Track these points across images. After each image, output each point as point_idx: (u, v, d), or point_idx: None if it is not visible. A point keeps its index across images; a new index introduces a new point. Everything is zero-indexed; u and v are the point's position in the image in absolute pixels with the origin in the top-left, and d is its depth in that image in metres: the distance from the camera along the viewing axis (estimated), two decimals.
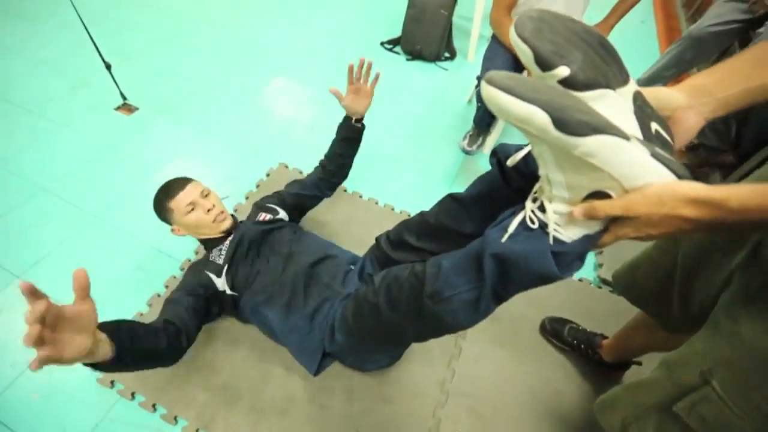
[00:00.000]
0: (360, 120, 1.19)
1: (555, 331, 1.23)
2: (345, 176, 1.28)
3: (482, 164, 1.79)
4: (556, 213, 0.51)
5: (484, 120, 1.66)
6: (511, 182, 0.69)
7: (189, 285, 1.02)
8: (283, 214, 1.20)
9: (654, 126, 0.49)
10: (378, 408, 1.07)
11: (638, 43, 2.81)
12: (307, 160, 1.66)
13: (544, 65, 0.46)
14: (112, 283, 1.25)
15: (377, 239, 1.05)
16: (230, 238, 1.10)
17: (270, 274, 1.06)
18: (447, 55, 2.36)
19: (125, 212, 1.43)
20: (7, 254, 1.28)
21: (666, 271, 0.75)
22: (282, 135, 1.80)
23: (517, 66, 1.47)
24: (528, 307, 1.31)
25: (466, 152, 1.80)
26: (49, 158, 1.57)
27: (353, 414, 1.06)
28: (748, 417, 0.49)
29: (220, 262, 1.07)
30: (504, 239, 0.55)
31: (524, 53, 0.48)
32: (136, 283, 1.25)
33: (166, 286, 1.24)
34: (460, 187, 1.62)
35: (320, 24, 2.57)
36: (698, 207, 0.40)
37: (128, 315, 1.17)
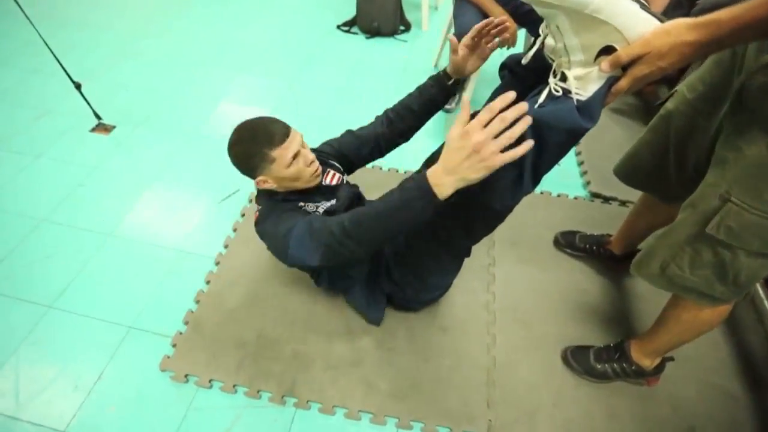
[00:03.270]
0: (456, 82, 1.02)
1: (568, 241, 1.39)
2: (409, 138, 1.12)
3: None
4: (575, 78, 0.63)
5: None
6: (525, 81, 0.79)
7: (302, 214, 0.93)
8: (345, 176, 1.12)
9: None
10: (439, 338, 1.18)
11: None
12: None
13: None
14: (150, 291, 1.24)
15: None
16: (334, 201, 1.01)
17: None
18: (402, 28, 2.47)
19: (138, 224, 1.42)
20: (30, 289, 1.23)
21: (661, 147, 0.92)
22: None
23: (485, 16, 1.60)
24: (539, 228, 1.46)
25: (447, 111, 1.92)
26: (35, 190, 1.50)
27: (418, 348, 1.16)
28: (763, 213, 0.65)
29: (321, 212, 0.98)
30: (536, 106, 0.66)
31: None
32: (175, 286, 1.26)
33: (208, 282, 1.26)
34: (437, 137, 1.63)
35: (271, 19, 2.58)
36: (697, 29, 0.52)
37: (178, 316, 1.18)
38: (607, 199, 1.59)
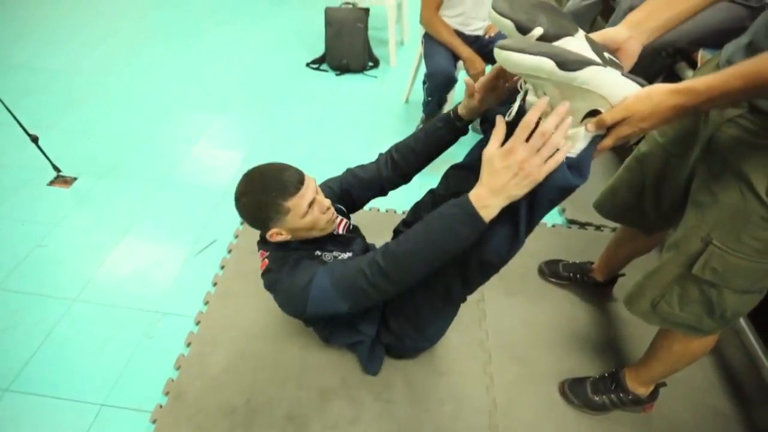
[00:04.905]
0: (468, 123, 0.94)
1: (552, 271, 1.42)
2: (410, 179, 1.07)
3: None
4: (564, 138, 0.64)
5: (435, 111, 1.82)
6: (508, 135, 0.80)
7: (318, 263, 0.90)
8: (351, 220, 1.09)
9: (606, 55, 0.65)
10: (437, 383, 1.15)
11: None
12: None
13: (523, 30, 0.61)
14: (124, 361, 1.14)
15: (395, 230, 1.13)
16: (350, 254, 0.97)
17: None
18: (371, 64, 2.52)
19: (107, 286, 1.31)
20: None
21: (638, 185, 0.96)
22: (246, 167, 1.77)
23: (453, 56, 1.66)
24: (523, 258, 1.44)
25: None
26: None
27: (417, 397, 1.12)
28: (744, 255, 0.69)
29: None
30: None
31: (506, 26, 0.61)
32: (152, 353, 1.16)
33: (189, 344, 1.18)
34: (430, 175, 1.71)
35: (238, 57, 2.57)
36: (677, 95, 0.56)
37: (157, 386, 1.08)
38: (583, 225, 1.64)
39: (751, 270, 0.70)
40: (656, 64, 1.61)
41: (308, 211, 0.85)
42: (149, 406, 1.05)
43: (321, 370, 1.14)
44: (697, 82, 0.55)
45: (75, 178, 1.64)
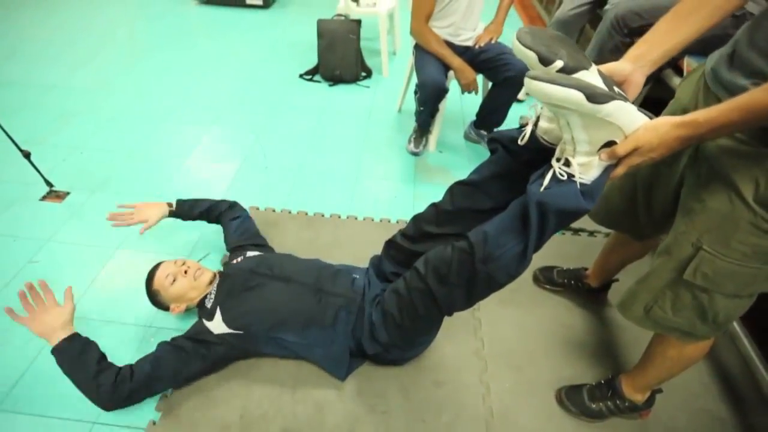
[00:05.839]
0: (171, 208, 1.36)
1: (547, 277, 1.42)
2: (234, 215, 1.40)
3: (433, 161, 1.97)
4: (579, 165, 0.68)
5: (427, 121, 1.84)
6: (519, 157, 0.84)
7: (187, 333, 1.10)
8: (250, 252, 1.26)
9: (616, 88, 0.68)
10: (433, 393, 1.14)
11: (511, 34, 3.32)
12: (274, 197, 1.67)
13: (546, 62, 0.65)
14: None
15: (389, 242, 1.14)
16: (216, 282, 1.16)
17: (274, 300, 1.09)
18: (364, 74, 2.54)
19: (99, 300, 1.30)
20: None
21: (630, 192, 0.97)
22: (239, 180, 1.78)
23: (444, 66, 1.68)
24: None
25: (414, 154, 1.97)
26: None
27: (413, 408, 1.11)
28: (733, 259, 0.70)
29: (209, 306, 1.12)
30: (542, 190, 0.70)
31: (530, 57, 0.65)
32: None
33: None
34: (425, 185, 1.78)
35: (232, 69, 2.58)
36: (681, 127, 0.61)
37: (150, 403, 1.07)
38: (576, 231, 1.65)
39: (740, 274, 0.71)
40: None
41: (172, 283, 1.12)
42: (142, 423, 1.04)
43: (316, 383, 1.13)
44: (699, 115, 0.59)
45: (68, 193, 1.64)
